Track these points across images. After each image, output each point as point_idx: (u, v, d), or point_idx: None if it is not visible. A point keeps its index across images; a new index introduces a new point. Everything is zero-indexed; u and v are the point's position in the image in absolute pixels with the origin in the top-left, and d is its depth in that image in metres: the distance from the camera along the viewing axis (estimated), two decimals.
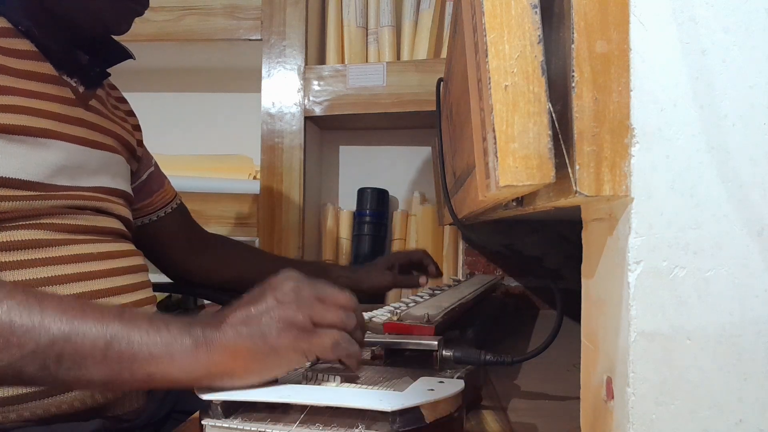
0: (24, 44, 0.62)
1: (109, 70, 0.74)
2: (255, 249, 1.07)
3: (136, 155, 0.83)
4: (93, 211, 0.67)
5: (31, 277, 0.58)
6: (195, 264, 0.95)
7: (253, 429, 0.39)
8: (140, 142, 0.86)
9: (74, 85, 0.68)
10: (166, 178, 0.93)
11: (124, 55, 0.75)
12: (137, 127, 0.86)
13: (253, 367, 0.43)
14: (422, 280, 1.01)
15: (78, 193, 0.65)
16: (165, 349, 0.42)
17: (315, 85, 1.23)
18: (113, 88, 0.82)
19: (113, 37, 0.73)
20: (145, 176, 0.86)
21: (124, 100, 0.85)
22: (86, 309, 0.44)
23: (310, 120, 1.26)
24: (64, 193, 0.63)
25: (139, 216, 0.85)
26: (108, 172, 0.71)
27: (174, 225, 0.92)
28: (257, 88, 1.25)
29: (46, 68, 0.64)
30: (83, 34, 0.68)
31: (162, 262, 0.93)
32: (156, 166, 0.91)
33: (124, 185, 0.76)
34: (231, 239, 1.04)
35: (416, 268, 1.04)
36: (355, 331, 0.47)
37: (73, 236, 0.63)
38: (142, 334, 0.43)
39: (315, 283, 0.48)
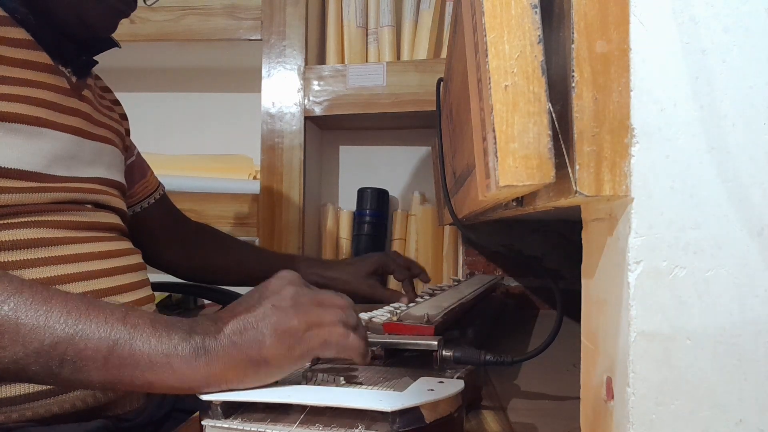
0: (19, 33, 0.61)
1: (96, 58, 0.73)
2: (231, 239, 1.04)
3: (125, 145, 0.83)
4: (92, 206, 0.67)
5: (34, 277, 0.57)
6: (168, 255, 0.96)
7: (252, 429, 0.39)
8: (128, 131, 0.87)
9: (68, 74, 0.68)
10: (149, 168, 0.93)
11: (110, 43, 0.74)
12: (124, 116, 0.87)
13: (248, 377, 0.43)
14: (404, 300, 0.98)
15: (76, 185, 0.64)
16: (165, 359, 0.42)
17: (315, 85, 1.23)
18: (97, 78, 0.82)
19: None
20: (126, 165, 0.86)
21: (108, 90, 0.85)
22: (91, 310, 0.44)
23: (310, 120, 1.25)
24: (62, 185, 0.62)
25: None
26: (103, 163, 0.71)
27: (154, 218, 0.92)
28: (257, 88, 1.25)
29: (42, 57, 0.63)
30: (69, 31, 0.67)
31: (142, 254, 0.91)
32: (138, 155, 0.91)
33: (119, 176, 0.76)
34: (213, 229, 1.03)
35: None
36: (357, 328, 0.47)
37: (74, 233, 0.63)
38: (144, 340, 0.43)
39: (314, 288, 0.48)
